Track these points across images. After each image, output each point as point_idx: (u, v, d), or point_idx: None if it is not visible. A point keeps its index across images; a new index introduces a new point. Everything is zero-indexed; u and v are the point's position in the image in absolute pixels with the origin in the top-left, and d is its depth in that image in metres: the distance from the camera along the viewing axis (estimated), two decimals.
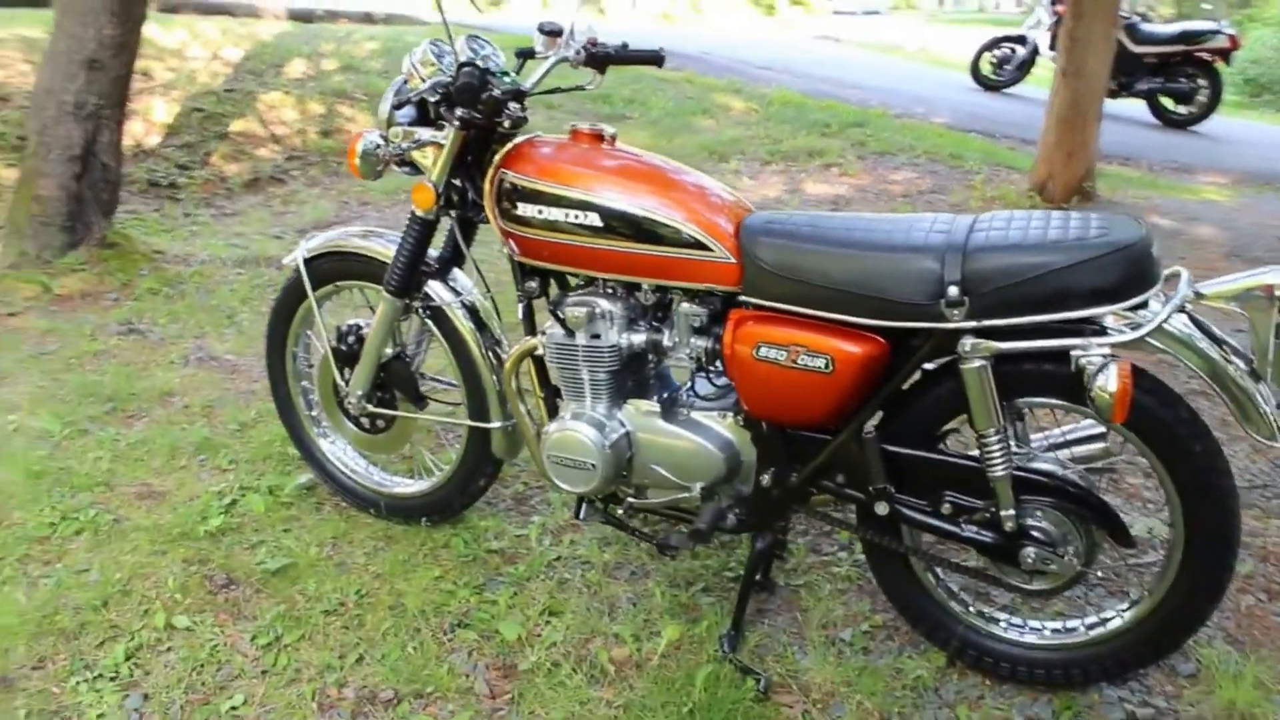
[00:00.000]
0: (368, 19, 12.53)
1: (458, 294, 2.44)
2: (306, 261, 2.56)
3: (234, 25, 9.52)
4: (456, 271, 2.49)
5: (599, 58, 2.32)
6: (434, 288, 2.43)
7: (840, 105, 9.23)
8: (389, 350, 2.52)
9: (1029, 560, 1.94)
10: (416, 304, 2.45)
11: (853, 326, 1.89)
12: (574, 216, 2.07)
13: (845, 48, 15.49)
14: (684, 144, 7.98)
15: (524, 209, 2.14)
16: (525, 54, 2.35)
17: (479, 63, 2.23)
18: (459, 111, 2.18)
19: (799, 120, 8.60)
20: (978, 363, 1.82)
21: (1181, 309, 1.80)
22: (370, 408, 2.58)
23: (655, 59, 2.39)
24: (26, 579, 2.48)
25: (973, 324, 1.79)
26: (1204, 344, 1.78)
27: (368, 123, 8.23)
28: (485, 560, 2.56)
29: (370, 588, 2.45)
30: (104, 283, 4.52)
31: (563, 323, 2.17)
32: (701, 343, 2.09)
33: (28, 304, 4.28)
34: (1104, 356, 1.71)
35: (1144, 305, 1.76)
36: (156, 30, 8.60)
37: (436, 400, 2.66)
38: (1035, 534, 1.94)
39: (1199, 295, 1.81)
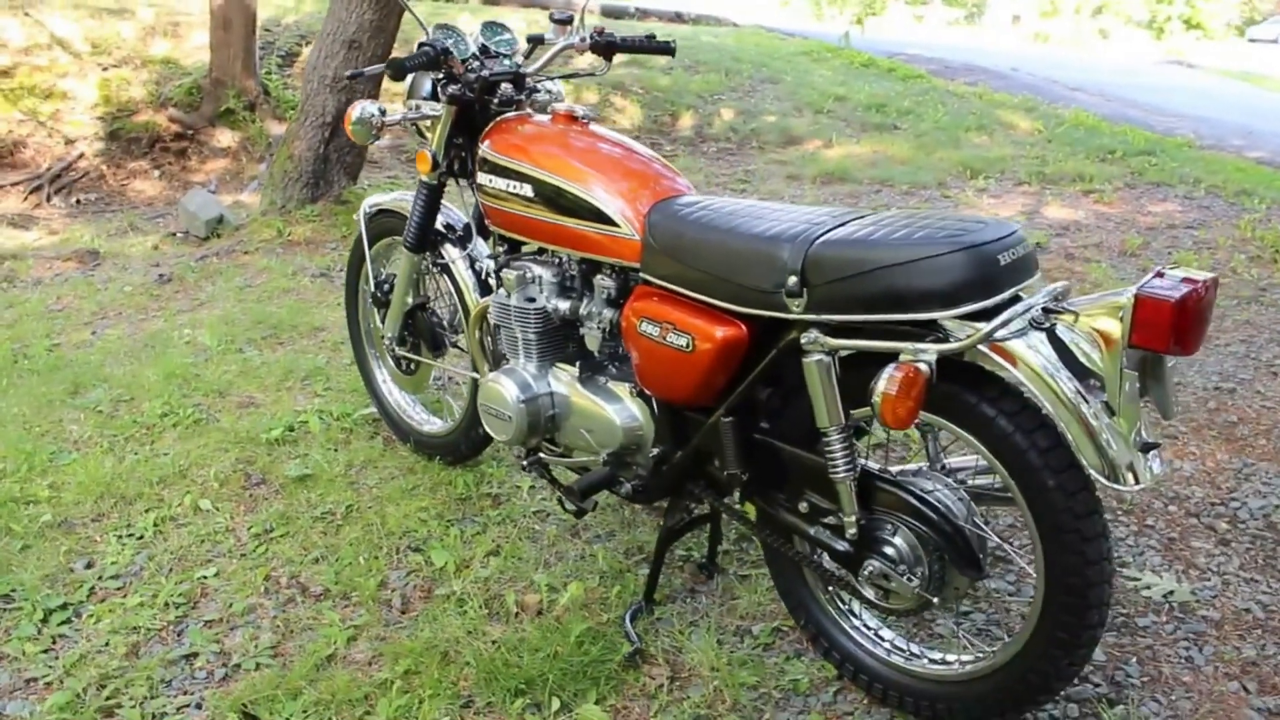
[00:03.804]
0: (678, 18, 13.09)
1: (469, 256, 2.67)
2: (369, 217, 2.90)
3: (541, 18, 10.31)
4: (479, 239, 2.72)
5: (603, 46, 2.47)
6: (447, 249, 2.67)
7: (1137, 131, 8.51)
8: (409, 300, 2.80)
9: (867, 573, 1.87)
10: (426, 260, 2.71)
11: (719, 310, 1.92)
12: (513, 186, 2.24)
13: (1194, 74, 14.08)
14: (942, 158, 7.73)
15: (483, 178, 2.33)
16: (535, 40, 2.54)
17: (487, 46, 2.48)
18: (450, 88, 2.41)
19: (1083, 144, 8.05)
20: (816, 357, 1.79)
21: (1039, 326, 1.68)
22: (397, 350, 2.88)
23: (664, 49, 2.50)
24: (120, 453, 3.02)
25: (811, 317, 1.77)
26: (1051, 366, 1.64)
27: (636, 114, 8.67)
28: (474, 501, 2.78)
29: (362, 505, 2.74)
30: (327, 233, 5.19)
31: (501, 284, 2.35)
32: (609, 314, 2.19)
33: (261, 245, 5.03)
34: (924, 362, 1.64)
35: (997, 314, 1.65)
36: (466, 19, 9.54)
37: (460, 349, 2.91)
38: (883, 549, 1.87)
39: (1074, 315, 1.68)
